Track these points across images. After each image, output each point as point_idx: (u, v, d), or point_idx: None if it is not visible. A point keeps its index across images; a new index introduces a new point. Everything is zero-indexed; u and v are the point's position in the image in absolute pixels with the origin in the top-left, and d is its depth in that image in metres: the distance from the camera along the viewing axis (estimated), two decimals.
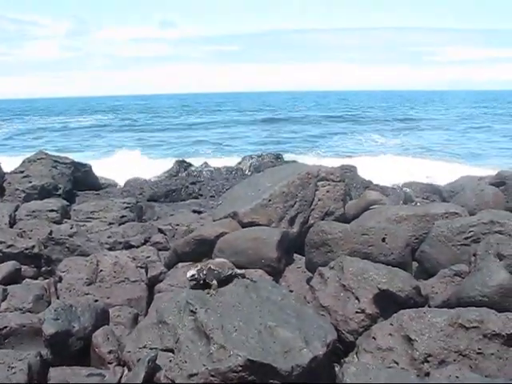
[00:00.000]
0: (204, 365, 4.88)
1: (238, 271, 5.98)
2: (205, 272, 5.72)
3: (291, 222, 8.41)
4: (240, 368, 4.80)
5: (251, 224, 8.16)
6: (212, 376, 4.82)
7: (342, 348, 5.99)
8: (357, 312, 6.03)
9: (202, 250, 7.96)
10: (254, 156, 21.57)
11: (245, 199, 8.78)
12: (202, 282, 5.76)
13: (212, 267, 5.73)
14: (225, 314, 5.33)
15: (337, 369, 5.70)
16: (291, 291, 6.88)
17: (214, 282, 5.69)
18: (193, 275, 5.76)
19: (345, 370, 4.76)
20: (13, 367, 4.96)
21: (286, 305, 5.80)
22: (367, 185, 15.70)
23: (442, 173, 20.33)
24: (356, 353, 5.68)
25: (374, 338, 5.58)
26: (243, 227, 8.11)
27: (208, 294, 5.62)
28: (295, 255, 8.08)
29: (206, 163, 21.08)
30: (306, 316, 5.71)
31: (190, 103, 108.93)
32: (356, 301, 6.09)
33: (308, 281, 7.14)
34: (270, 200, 8.34)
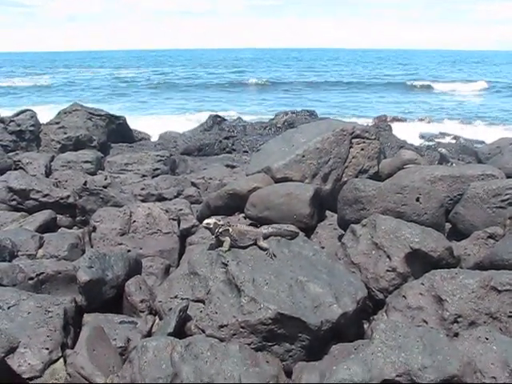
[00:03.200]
0: (234, 316, 4.94)
1: (261, 244, 5.74)
2: (221, 230, 5.66)
3: (324, 178, 8.34)
4: (270, 321, 4.85)
5: (284, 179, 8.11)
6: (242, 328, 4.89)
7: (371, 305, 5.99)
8: (388, 270, 5.99)
9: (234, 204, 7.96)
10: (288, 112, 21.42)
11: (278, 154, 8.71)
12: (214, 236, 5.74)
13: (230, 231, 5.66)
14: (256, 268, 5.36)
15: (365, 326, 5.73)
16: (322, 247, 6.87)
17: (227, 239, 5.64)
18: (208, 223, 5.71)
19: (374, 326, 4.75)
20: (49, 311, 5.09)
21: (317, 260, 5.80)
22: (402, 144, 15.50)
23: (480, 134, 20.07)
24: (385, 311, 5.66)
25: (404, 296, 5.55)
26: (276, 182, 8.07)
27: (219, 254, 5.58)
28: (327, 212, 8.03)
29: (239, 118, 21.00)
30: (336, 272, 5.71)
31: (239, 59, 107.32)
32: (387, 259, 6.04)
33: (340, 238, 7.12)
34: (303, 156, 8.26)
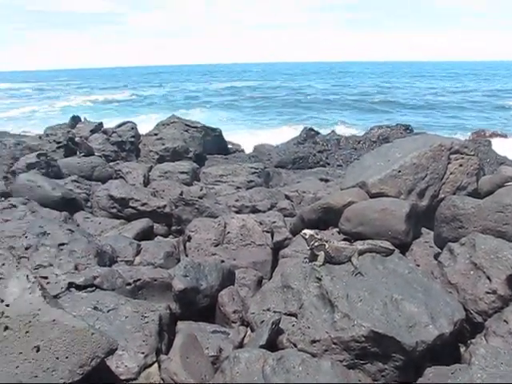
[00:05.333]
0: (327, 332, 4.89)
1: (353, 260, 5.66)
2: (316, 244, 5.63)
3: (421, 194, 8.13)
4: (363, 338, 4.76)
5: (379, 195, 7.98)
6: (334, 344, 4.83)
7: (468, 328, 5.75)
8: (487, 292, 5.73)
9: (328, 218, 7.91)
10: (383, 126, 21.12)
11: (374, 169, 8.58)
12: (308, 248, 5.72)
13: (326, 247, 5.62)
14: (350, 283, 5.29)
15: (462, 349, 5.50)
16: (417, 265, 6.69)
17: (322, 253, 5.60)
18: (305, 233, 5.68)
19: (472, 351, 4.55)
20: (146, 317, 5.22)
21: (412, 278, 5.65)
22: (502, 160, 14.91)
23: None
24: (484, 335, 5.41)
25: (505, 321, 5.28)
26: (371, 197, 7.95)
27: (313, 268, 5.55)
28: (423, 229, 7.82)
29: (333, 132, 20.91)
30: (433, 292, 5.53)
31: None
32: (487, 280, 5.79)
33: (436, 256, 6.91)
34: (399, 171, 8.10)
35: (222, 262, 7.07)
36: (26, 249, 6.48)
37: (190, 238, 7.80)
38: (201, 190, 9.72)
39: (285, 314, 5.37)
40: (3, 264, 4.40)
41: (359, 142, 19.20)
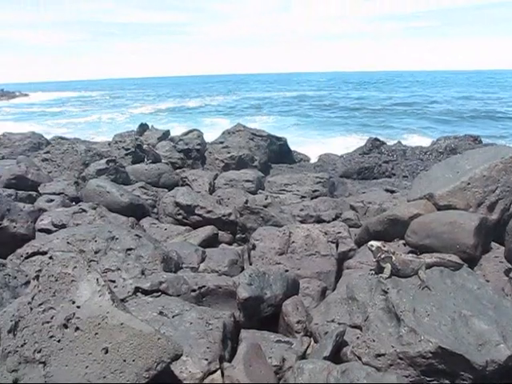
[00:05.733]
0: (392, 346, 4.80)
1: (420, 274, 5.53)
2: (383, 256, 5.55)
3: (491, 208, 7.90)
4: (430, 355, 4.63)
5: (447, 207, 7.81)
6: (400, 359, 4.73)
7: None
8: None
9: (394, 229, 7.80)
10: (451, 137, 20.68)
11: (442, 181, 8.41)
12: (375, 260, 5.64)
13: (393, 259, 5.53)
14: (417, 297, 5.18)
15: None
16: (487, 281, 6.49)
17: (388, 266, 5.51)
18: (371, 245, 5.60)
19: None
20: (210, 324, 5.25)
21: (482, 295, 5.48)
22: None
23: None
24: None
25: None
26: (439, 210, 7.80)
27: (379, 280, 5.46)
28: (493, 244, 7.60)
29: (399, 142, 20.62)
30: (504, 309, 5.34)
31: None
32: None
33: (507, 272, 6.70)
34: (469, 183, 7.90)
35: (286, 271, 7.04)
36: (96, 253, 6.66)
37: (254, 247, 7.83)
38: (266, 198, 9.75)
39: (349, 325, 5.31)
40: (75, 267, 4.52)
41: (426, 153, 18.83)
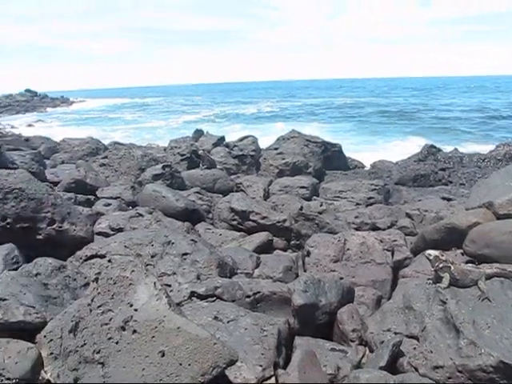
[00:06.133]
0: (451, 358, 4.69)
1: (480, 284, 5.41)
2: (441, 265, 5.45)
3: None
4: (491, 369, 4.50)
5: (508, 216, 7.57)
6: (459, 372, 4.62)
7: None
8: None
9: (451, 238, 7.62)
10: (510, 144, 20.14)
11: (502, 189, 8.18)
12: (433, 269, 5.54)
13: (452, 269, 5.42)
14: (477, 309, 5.05)
15: None
16: None
17: (446, 275, 5.40)
18: (429, 254, 5.56)
19: None
20: (265, 330, 5.23)
21: None
22: None
23: None
24: None
25: None
26: (498, 219, 7.58)
27: (437, 290, 5.37)
28: None
29: (456, 149, 20.21)
30: None
31: None
32: None
33: None
34: None
35: (341, 278, 6.98)
36: (152, 257, 6.75)
37: (309, 253, 7.79)
38: (321, 205, 9.71)
39: (406, 335, 5.23)
40: (133, 270, 4.59)
41: (484, 160, 18.38)
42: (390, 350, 4.90)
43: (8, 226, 6.76)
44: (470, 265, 5.80)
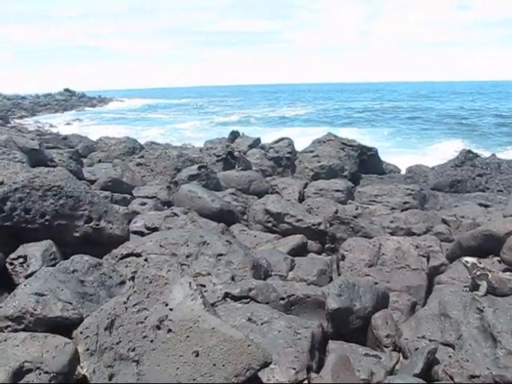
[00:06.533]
0: (488, 368, 4.62)
1: None
2: (478, 273, 5.38)
3: None
4: None
5: None
6: (496, 382, 4.54)
7: None
8: None
9: (489, 246, 7.52)
10: None
11: None
12: (470, 277, 5.47)
13: (490, 277, 5.34)
14: None
15: None
16: None
17: (484, 283, 5.32)
18: (467, 261, 5.51)
19: None
20: (298, 333, 5.22)
21: None
22: None
23: None
24: None
25: None
26: None
27: (474, 298, 5.30)
28: None
29: (493, 155, 19.89)
30: None
31: None
32: None
33: None
34: None
35: (376, 283, 6.91)
36: (187, 257, 6.78)
37: (343, 257, 7.74)
38: (356, 209, 9.67)
39: (441, 343, 5.17)
40: (169, 270, 4.64)
41: None
42: (424, 357, 4.84)
43: (46, 223, 6.87)
44: (508, 273, 5.72)
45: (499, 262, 7.25)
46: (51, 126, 42.55)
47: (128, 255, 6.91)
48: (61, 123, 47.25)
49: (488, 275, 5.34)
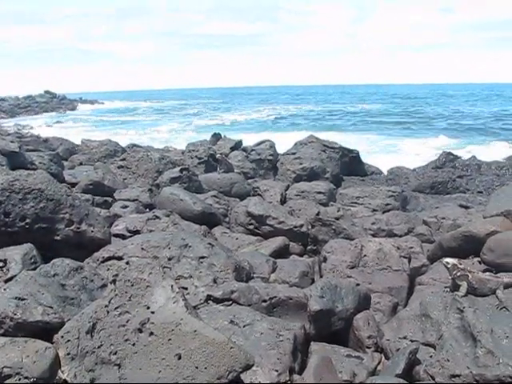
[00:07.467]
0: (468, 367, 4.66)
1: (498, 294, 5.38)
2: (458, 274, 5.43)
3: None
4: (509, 379, 4.46)
5: None
6: (476, 381, 4.58)
7: None
8: None
9: (469, 246, 7.59)
10: None
11: None
12: (450, 277, 5.54)
13: (470, 277, 5.40)
14: (495, 318, 5.02)
15: None
16: None
17: (464, 284, 5.38)
18: (447, 262, 5.57)
19: None
20: (281, 335, 5.23)
21: None
22: None
23: None
24: None
25: None
26: None
27: (455, 298, 5.35)
28: None
29: (474, 157, 20.09)
30: None
31: None
32: None
33: None
34: None
35: (358, 285, 6.95)
36: (169, 259, 6.76)
37: (325, 259, 7.77)
38: (338, 210, 9.69)
39: (422, 343, 5.21)
40: (150, 273, 4.62)
41: (502, 168, 18.26)
42: (406, 357, 4.88)
43: (27, 227, 6.81)
44: (488, 273, 5.78)
45: (479, 262, 7.31)
46: (31, 128, 42.15)
47: (109, 258, 6.87)
48: (41, 125, 46.88)
49: (468, 276, 5.39)
